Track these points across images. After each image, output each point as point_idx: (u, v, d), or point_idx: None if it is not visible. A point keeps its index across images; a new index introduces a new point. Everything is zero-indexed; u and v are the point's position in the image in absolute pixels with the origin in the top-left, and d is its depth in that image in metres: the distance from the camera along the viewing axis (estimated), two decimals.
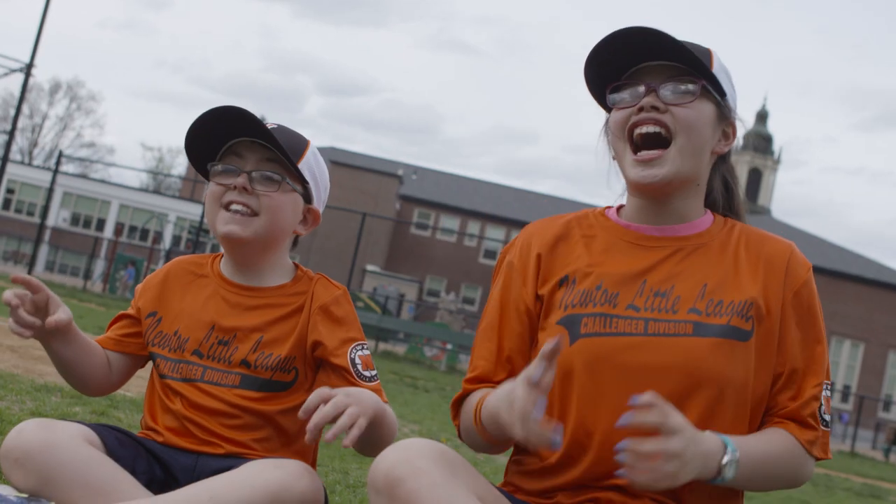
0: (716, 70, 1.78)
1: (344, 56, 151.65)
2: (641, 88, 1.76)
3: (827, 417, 1.73)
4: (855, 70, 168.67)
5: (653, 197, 1.80)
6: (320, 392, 1.69)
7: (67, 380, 2.12)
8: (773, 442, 1.68)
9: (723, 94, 1.78)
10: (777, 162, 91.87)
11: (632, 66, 1.79)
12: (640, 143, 1.76)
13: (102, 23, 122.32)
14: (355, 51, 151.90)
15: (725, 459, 1.57)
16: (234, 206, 2.04)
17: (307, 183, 2.13)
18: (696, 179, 1.80)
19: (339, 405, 1.69)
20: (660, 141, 1.74)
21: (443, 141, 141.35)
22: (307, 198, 2.15)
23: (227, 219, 2.04)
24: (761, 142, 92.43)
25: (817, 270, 47.81)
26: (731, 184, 1.93)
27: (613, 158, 1.84)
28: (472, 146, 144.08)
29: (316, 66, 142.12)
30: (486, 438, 1.74)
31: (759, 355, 1.70)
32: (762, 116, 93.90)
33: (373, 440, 1.87)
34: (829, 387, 1.75)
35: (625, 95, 1.79)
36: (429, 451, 1.52)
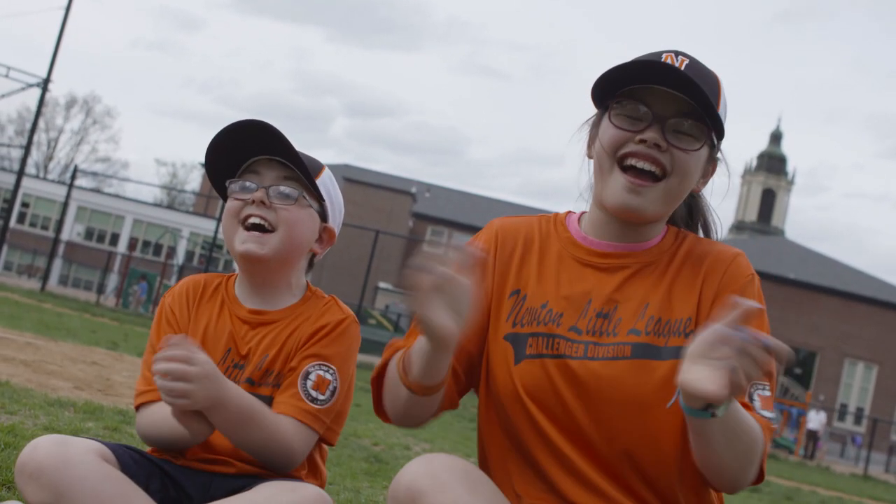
0: (721, 108, 1.71)
1: (373, 78, 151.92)
2: (645, 111, 1.67)
3: (767, 414, 1.63)
4: (885, 98, 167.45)
5: (623, 222, 1.77)
6: (194, 356, 1.79)
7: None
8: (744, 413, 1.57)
9: (722, 135, 1.73)
10: (791, 183, 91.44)
11: (640, 81, 1.69)
12: (627, 170, 1.70)
13: (134, 42, 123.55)
14: (385, 73, 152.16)
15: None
16: (252, 220, 2.04)
17: (324, 201, 2.14)
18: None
19: (181, 375, 1.76)
20: (650, 175, 1.69)
21: (467, 162, 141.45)
22: (323, 216, 2.16)
23: (244, 237, 2.04)
24: (775, 163, 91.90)
25: (831, 292, 47.64)
26: (696, 215, 1.90)
27: (590, 158, 1.81)
28: (496, 167, 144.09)
29: (345, 88, 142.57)
30: (408, 384, 1.65)
31: None
32: (776, 137, 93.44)
33: (229, 432, 1.90)
34: (765, 387, 1.66)
35: (627, 112, 1.69)
36: (453, 465, 1.54)
